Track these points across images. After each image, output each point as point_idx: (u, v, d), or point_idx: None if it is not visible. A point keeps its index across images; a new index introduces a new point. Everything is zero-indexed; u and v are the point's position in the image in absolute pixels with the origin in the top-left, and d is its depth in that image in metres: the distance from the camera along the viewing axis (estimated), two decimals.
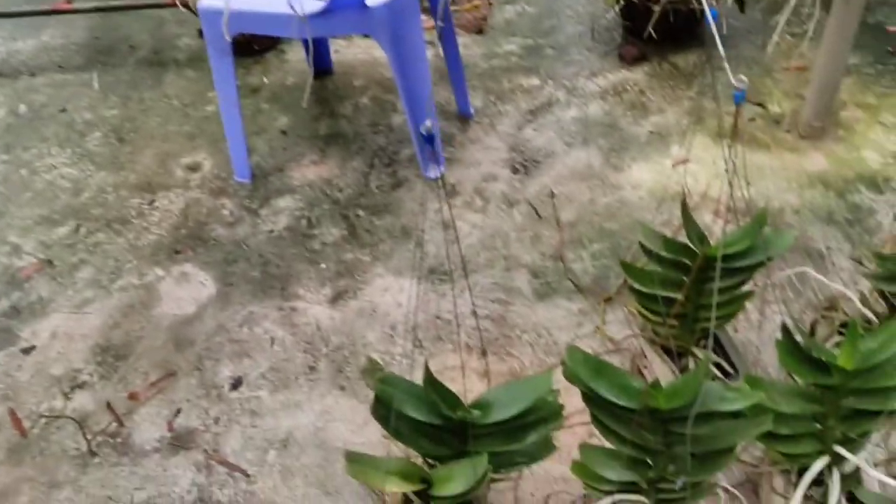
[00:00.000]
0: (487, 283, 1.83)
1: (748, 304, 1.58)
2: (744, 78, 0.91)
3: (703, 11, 2.32)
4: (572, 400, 1.19)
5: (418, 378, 1.10)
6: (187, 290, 1.88)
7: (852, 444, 1.14)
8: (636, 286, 1.38)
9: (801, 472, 1.17)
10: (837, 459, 1.16)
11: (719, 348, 1.47)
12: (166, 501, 1.46)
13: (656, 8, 2.35)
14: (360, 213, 2.05)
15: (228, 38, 1.90)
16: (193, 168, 2.25)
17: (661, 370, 1.44)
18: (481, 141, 2.25)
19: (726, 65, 0.94)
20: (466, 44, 2.67)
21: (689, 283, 1.31)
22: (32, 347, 1.77)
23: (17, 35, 2.95)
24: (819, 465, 1.15)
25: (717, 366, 1.44)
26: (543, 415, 1.11)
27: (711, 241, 1.31)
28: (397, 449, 1.25)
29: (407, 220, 2.01)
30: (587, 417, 1.11)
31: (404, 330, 1.72)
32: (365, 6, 1.83)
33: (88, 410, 1.62)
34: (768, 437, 1.13)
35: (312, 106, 2.46)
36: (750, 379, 1.12)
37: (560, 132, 2.26)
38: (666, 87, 2.38)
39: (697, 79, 2.41)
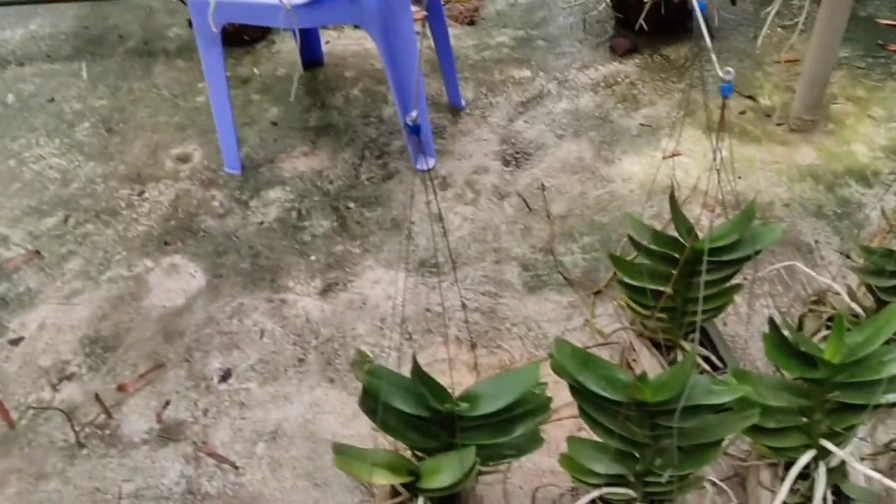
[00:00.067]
0: (477, 275, 1.82)
1: (737, 298, 1.59)
2: (731, 70, 0.90)
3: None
4: (561, 393, 1.20)
5: (408, 370, 1.10)
6: (177, 281, 1.87)
7: (838, 438, 1.15)
8: (625, 279, 1.38)
9: (788, 465, 1.17)
10: (824, 453, 1.16)
11: (707, 342, 1.47)
12: (154, 493, 1.46)
13: (647, 0, 2.34)
14: (351, 204, 2.04)
15: (215, 29, 1.89)
16: (183, 159, 2.24)
17: (649, 363, 1.44)
18: (472, 133, 2.25)
19: (714, 57, 0.94)
20: (458, 35, 2.66)
21: (677, 276, 1.31)
22: (20, 339, 1.76)
23: (5, 24, 2.92)
24: (805, 458, 1.15)
25: (706, 359, 1.44)
26: (531, 408, 1.12)
27: (701, 235, 1.30)
28: (386, 441, 1.25)
29: (397, 212, 2.01)
30: (575, 410, 1.11)
31: (394, 322, 1.72)
32: None
33: (77, 402, 1.62)
34: (755, 430, 1.14)
35: (303, 97, 2.45)
36: (737, 372, 1.12)
37: (551, 124, 2.25)
38: (657, 80, 2.38)
39: (689, 71, 2.41)
